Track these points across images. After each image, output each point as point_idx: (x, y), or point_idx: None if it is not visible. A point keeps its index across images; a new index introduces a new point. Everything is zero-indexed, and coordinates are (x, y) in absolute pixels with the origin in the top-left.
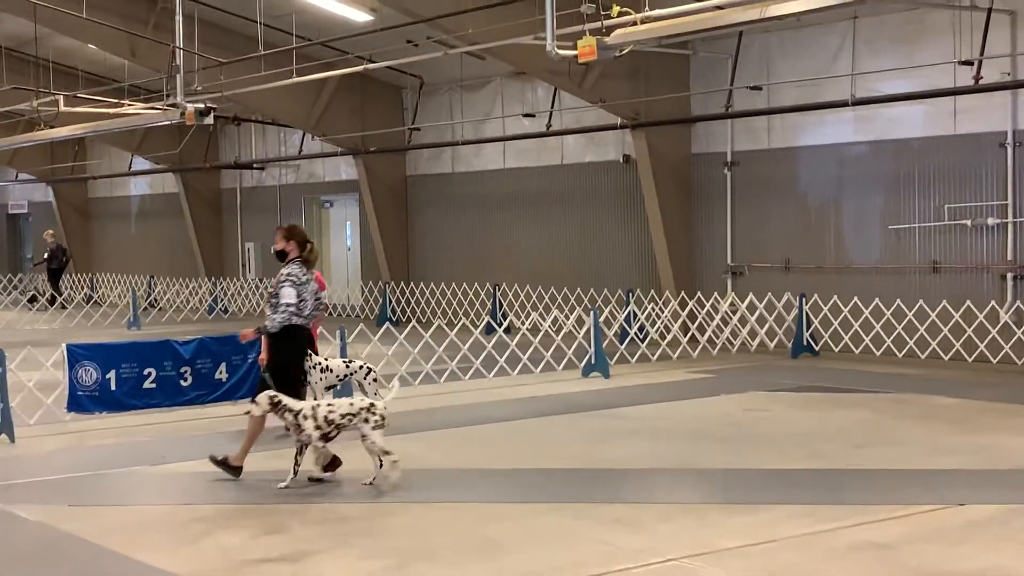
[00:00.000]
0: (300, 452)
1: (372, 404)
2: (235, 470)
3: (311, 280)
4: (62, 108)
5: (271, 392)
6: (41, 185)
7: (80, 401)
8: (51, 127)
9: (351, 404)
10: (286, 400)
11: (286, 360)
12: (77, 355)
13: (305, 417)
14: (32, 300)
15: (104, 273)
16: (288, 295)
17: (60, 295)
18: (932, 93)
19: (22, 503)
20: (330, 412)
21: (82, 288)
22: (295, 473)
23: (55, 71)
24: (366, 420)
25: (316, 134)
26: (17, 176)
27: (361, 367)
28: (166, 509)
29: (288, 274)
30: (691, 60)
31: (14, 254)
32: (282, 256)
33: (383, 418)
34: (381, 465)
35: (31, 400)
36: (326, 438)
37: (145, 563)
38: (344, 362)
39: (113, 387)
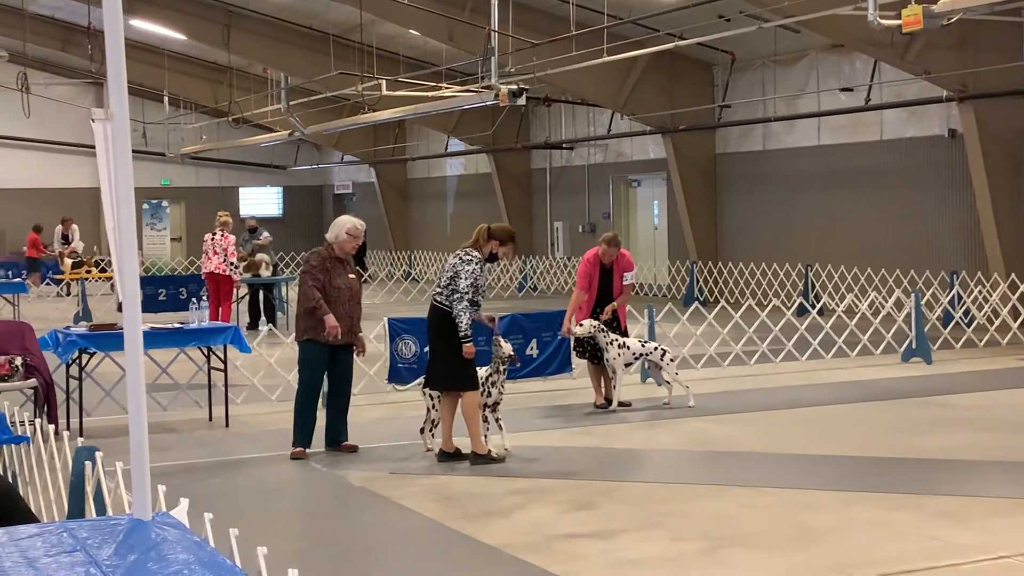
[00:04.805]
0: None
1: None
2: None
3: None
4: (384, 92)
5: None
6: (364, 166)
7: (399, 372)
8: (374, 111)
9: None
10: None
11: None
12: (397, 329)
13: None
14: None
15: (421, 251)
16: None
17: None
18: None
19: (348, 467)
20: None
21: (401, 265)
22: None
23: (378, 56)
24: None
25: (625, 113)
26: (343, 158)
27: (656, 348)
28: (483, 481)
29: None
30: None
31: None
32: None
33: None
34: None
35: (355, 370)
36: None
37: (458, 531)
38: (640, 342)
39: None
